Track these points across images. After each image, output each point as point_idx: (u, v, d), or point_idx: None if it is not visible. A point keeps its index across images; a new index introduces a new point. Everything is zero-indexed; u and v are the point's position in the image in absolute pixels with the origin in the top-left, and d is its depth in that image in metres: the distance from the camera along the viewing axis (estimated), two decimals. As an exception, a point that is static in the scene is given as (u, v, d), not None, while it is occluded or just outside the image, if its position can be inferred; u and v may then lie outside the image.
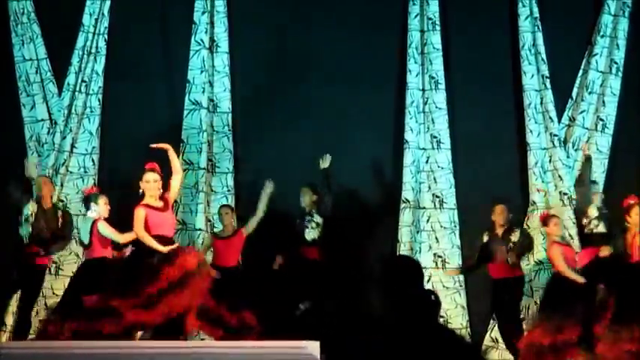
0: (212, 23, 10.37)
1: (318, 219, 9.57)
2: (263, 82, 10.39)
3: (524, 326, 9.35)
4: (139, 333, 8.34)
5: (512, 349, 9.12)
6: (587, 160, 9.54)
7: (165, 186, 8.12)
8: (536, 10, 10.35)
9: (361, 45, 10.40)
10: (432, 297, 4.01)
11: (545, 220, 9.15)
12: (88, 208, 8.75)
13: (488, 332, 9.92)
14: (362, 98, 10.33)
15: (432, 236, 10.14)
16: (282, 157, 10.25)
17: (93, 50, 10.31)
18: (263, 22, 10.45)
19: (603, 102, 10.42)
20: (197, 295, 8.06)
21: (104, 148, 10.34)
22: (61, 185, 10.17)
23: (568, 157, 10.34)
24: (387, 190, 10.31)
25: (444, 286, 9.99)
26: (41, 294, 9.95)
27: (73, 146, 10.23)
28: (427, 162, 10.32)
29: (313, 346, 7.90)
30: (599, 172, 10.27)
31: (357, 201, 9.71)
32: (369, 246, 10.02)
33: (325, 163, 9.58)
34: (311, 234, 9.58)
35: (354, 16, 10.41)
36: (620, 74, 10.41)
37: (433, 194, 10.26)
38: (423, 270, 4.22)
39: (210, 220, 10.17)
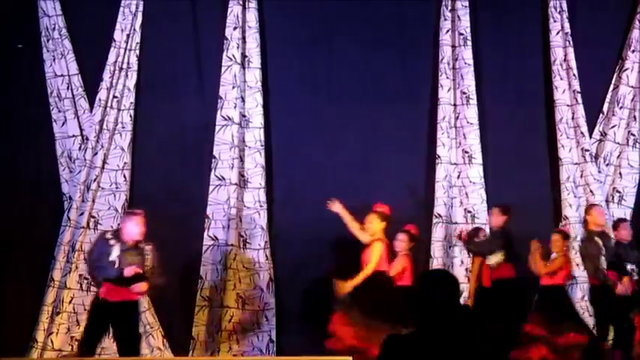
0: (244, 39, 10.34)
1: None
2: (295, 97, 10.39)
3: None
4: None
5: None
6: None
7: None
8: (567, 25, 10.36)
9: (393, 60, 10.41)
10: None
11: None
12: None
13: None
14: (394, 113, 10.34)
15: (464, 251, 10.09)
16: (314, 173, 10.25)
17: (124, 66, 10.30)
18: (295, 38, 10.44)
19: (634, 117, 10.43)
20: None
21: (135, 163, 10.33)
22: (93, 201, 10.14)
23: (599, 171, 10.34)
24: (420, 206, 10.30)
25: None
26: (72, 309, 9.98)
27: (104, 162, 10.19)
28: (459, 177, 10.32)
29: (347, 362, 7.92)
30: (630, 187, 10.28)
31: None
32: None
33: None
34: None
35: (386, 32, 10.40)
36: (651, 89, 10.43)
37: (465, 209, 10.25)
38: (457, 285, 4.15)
39: (242, 236, 10.14)
